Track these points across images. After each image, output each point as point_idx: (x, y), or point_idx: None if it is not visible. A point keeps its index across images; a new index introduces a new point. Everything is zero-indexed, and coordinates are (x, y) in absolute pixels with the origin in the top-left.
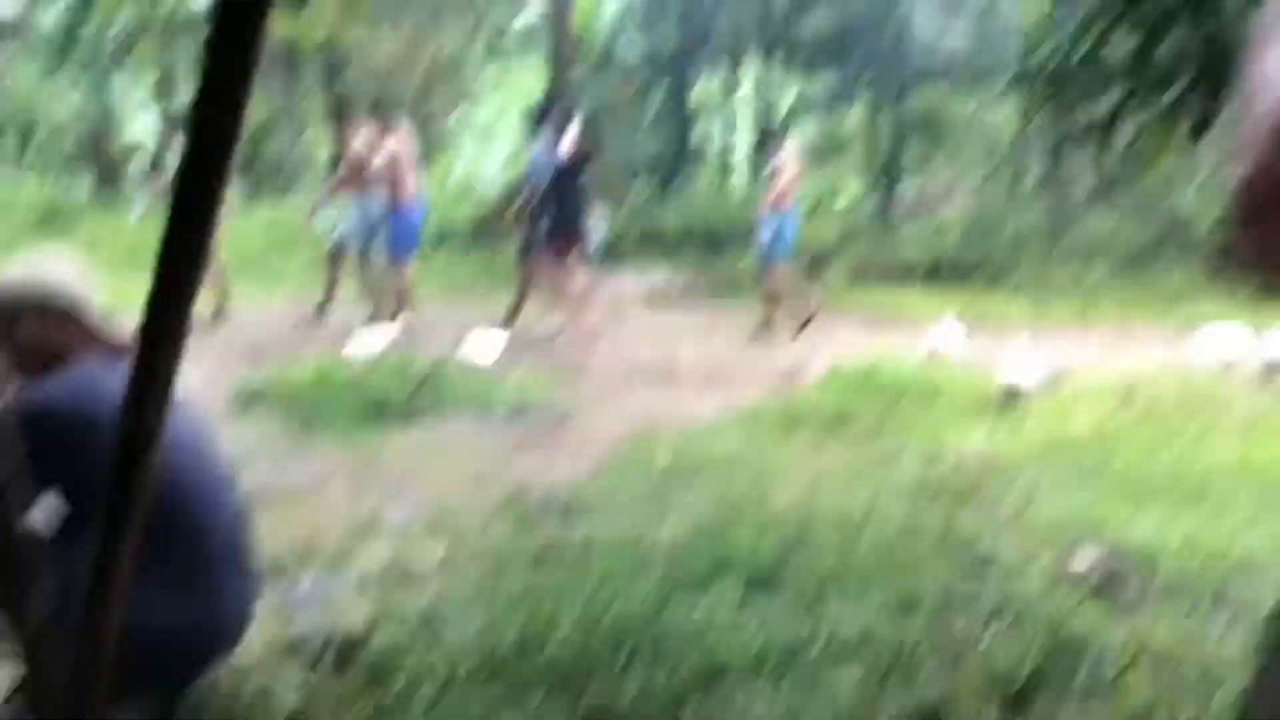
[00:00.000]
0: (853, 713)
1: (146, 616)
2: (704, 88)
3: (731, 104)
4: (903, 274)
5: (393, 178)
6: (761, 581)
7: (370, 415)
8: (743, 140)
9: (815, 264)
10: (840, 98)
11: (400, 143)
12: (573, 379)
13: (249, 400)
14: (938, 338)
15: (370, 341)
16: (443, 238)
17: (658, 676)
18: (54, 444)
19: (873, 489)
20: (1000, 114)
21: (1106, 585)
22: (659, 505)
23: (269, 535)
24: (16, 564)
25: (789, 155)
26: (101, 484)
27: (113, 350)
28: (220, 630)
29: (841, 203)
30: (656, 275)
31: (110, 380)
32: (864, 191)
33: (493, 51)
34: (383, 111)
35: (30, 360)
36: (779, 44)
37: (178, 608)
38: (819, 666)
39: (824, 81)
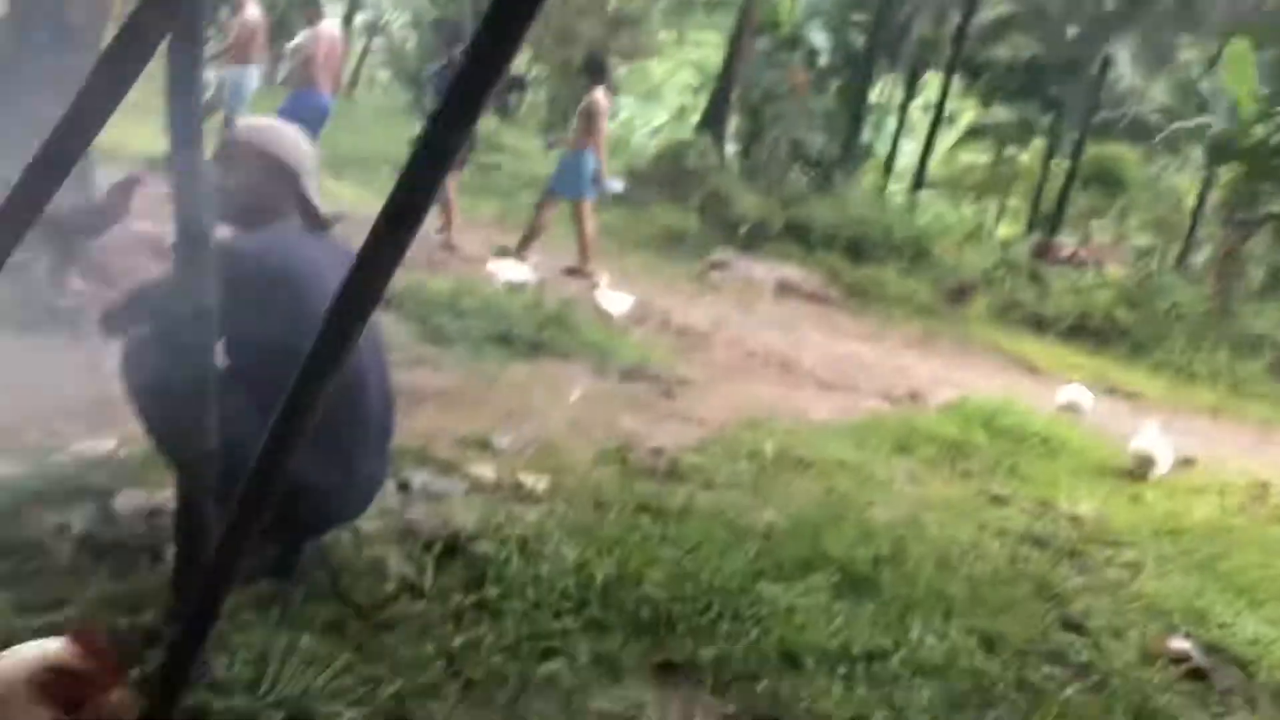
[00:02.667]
0: None
1: (302, 468)
2: (881, 91)
3: (907, 113)
4: (1046, 323)
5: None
6: (853, 585)
7: (496, 341)
8: (911, 151)
9: (959, 292)
10: (1020, 129)
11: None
12: (692, 353)
13: (383, 303)
14: (1071, 394)
15: (512, 269)
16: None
17: (737, 647)
18: (248, 291)
19: (977, 526)
20: (1183, 181)
21: (1201, 675)
22: (761, 490)
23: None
24: (202, 391)
25: (601, 99)
26: (274, 337)
27: (316, 220)
28: (356, 496)
29: (1001, 233)
30: (791, 269)
31: (309, 248)
32: (1025, 230)
33: (676, 12)
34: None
35: (242, 206)
36: (967, 63)
37: (328, 467)
38: (896, 678)
39: (1005, 110)
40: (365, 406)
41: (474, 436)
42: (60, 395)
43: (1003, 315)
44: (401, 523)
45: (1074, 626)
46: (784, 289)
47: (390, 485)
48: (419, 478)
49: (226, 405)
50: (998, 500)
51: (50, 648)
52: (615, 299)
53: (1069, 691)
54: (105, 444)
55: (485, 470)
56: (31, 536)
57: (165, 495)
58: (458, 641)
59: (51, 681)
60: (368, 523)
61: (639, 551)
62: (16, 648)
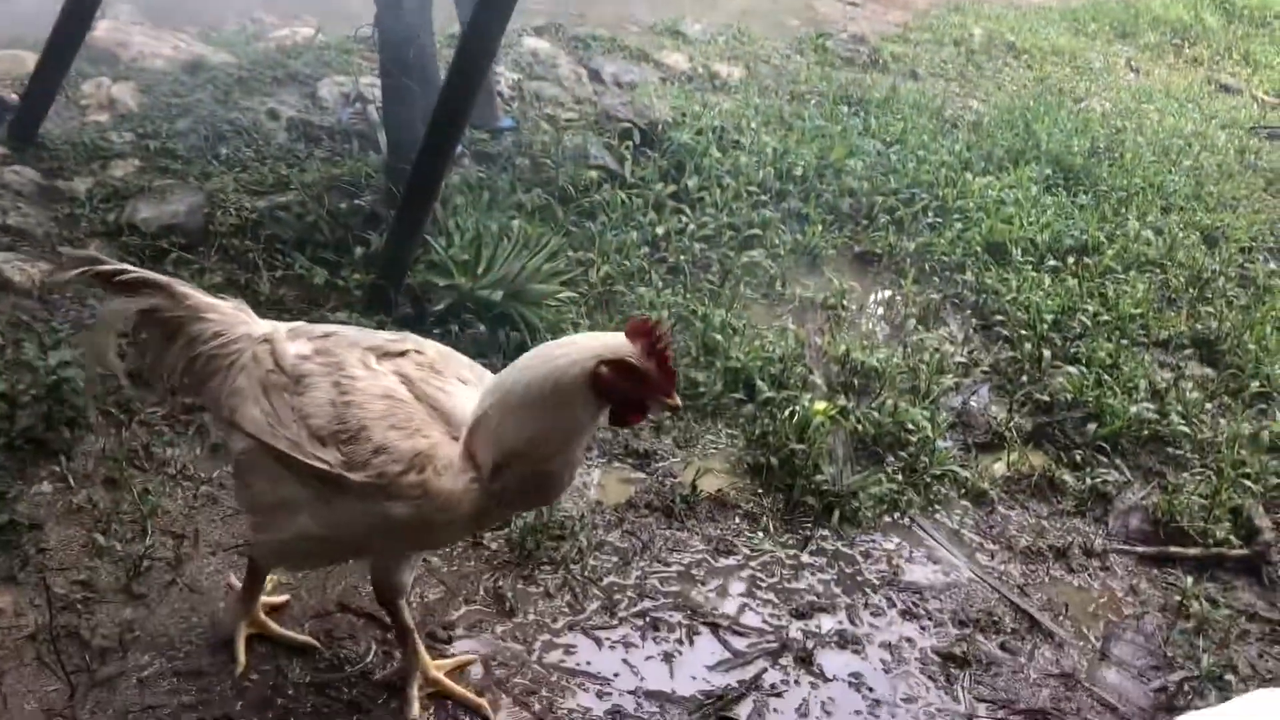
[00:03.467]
0: (1131, 318)
1: None
2: None
3: None
4: None
5: None
6: (1066, 178)
7: None
8: None
9: None
10: None
11: None
12: None
13: None
14: None
15: None
16: None
17: (941, 239)
18: None
19: (1204, 117)
20: None
21: None
22: (968, 79)
23: (582, 16)
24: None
25: None
26: None
27: None
28: None
29: None
30: None
31: None
32: None
33: None
34: None
35: None
36: None
37: None
38: (1108, 272)
39: None
40: None
41: (664, 24)
42: None
43: None
44: (597, 111)
45: None
46: None
47: (581, 72)
48: (610, 66)
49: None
50: (1228, 89)
51: (610, 343)
52: None
53: None
54: (304, 30)
55: (678, 59)
56: (245, 121)
57: (366, 81)
58: (660, 230)
59: (610, 375)
60: (563, 110)
61: (840, 142)
62: (574, 337)
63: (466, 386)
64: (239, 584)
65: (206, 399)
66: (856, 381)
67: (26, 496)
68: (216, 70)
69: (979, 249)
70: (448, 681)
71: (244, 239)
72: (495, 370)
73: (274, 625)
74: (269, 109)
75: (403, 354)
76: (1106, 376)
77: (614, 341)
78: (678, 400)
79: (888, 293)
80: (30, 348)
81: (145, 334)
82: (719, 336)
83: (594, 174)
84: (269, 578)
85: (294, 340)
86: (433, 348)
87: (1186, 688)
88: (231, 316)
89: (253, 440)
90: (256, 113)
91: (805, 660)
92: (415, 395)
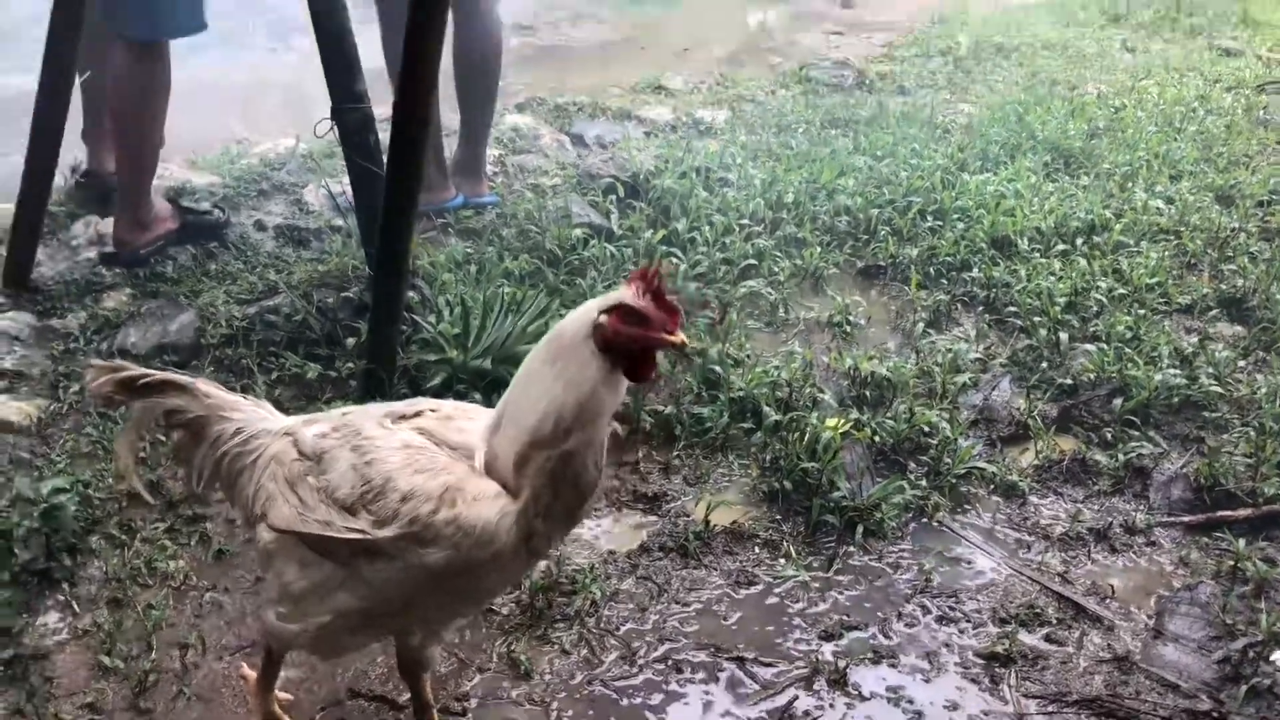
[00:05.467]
0: (1149, 288)
1: None
2: None
3: None
4: None
5: None
6: (1066, 163)
7: None
8: None
9: None
10: None
11: None
12: None
13: None
14: None
15: None
16: None
17: (943, 242)
18: None
19: (1207, 82)
20: None
21: None
22: (959, 85)
23: (562, 88)
24: None
25: None
26: None
27: None
28: None
29: None
30: None
31: None
32: None
33: None
34: None
35: None
36: None
37: None
38: (1120, 246)
39: None
40: None
41: (645, 82)
42: (245, 105)
43: None
44: (580, 172)
45: None
46: None
47: (563, 139)
48: (593, 130)
49: None
50: (1229, 53)
51: (606, 297)
52: None
53: None
54: (286, 141)
55: (660, 112)
56: (233, 236)
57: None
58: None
59: (611, 323)
60: (545, 178)
61: (830, 164)
62: (584, 304)
63: (485, 419)
64: (253, 674)
65: (237, 501)
66: (869, 393)
67: (32, 628)
68: (201, 192)
69: (983, 245)
70: None
71: (236, 347)
72: None
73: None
74: (256, 220)
75: (418, 414)
76: (1128, 349)
77: (610, 295)
78: (682, 336)
79: (894, 302)
80: (25, 481)
81: (173, 437)
82: (718, 369)
83: (579, 232)
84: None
85: (312, 425)
86: (449, 404)
87: (1251, 654)
88: (252, 414)
89: (283, 533)
90: (244, 225)
91: (839, 682)
92: (435, 443)
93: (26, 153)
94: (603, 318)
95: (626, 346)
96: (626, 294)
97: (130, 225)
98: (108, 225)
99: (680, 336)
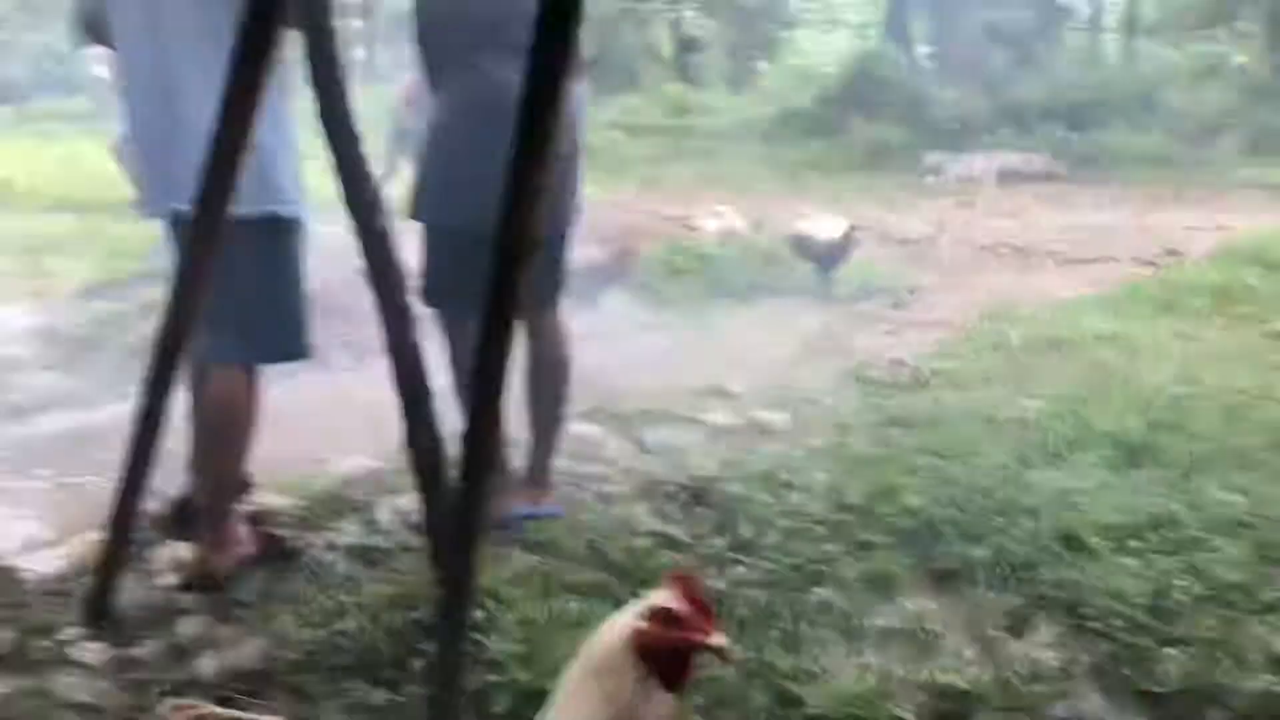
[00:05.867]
0: (1233, 589)
1: None
2: None
3: None
4: None
5: None
6: (1129, 456)
7: (714, 291)
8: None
9: (1205, 133)
10: None
11: None
12: (918, 260)
13: (605, 278)
14: None
15: (717, 220)
16: (784, 121)
17: (1010, 542)
18: None
19: (1264, 369)
20: None
21: None
22: (1015, 380)
23: (626, 395)
24: None
25: None
26: None
27: None
28: None
29: (1239, 60)
30: (1009, 155)
31: None
32: (1263, 50)
33: None
34: None
35: None
36: None
37: None
38: (1195, 541)
39: None
40: None
41: (707, 387)
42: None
43: (1256, 148)
44: (644, 479)
45: None
46: (1006, 177)
47: (628, 445)
48: (656, 435)
49: None
50: None
51: (643, 605)
52: (825, 228)
53: None
54: (363, 461)
55: (723, 416)
56: (306, 557)
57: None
58: (721, 584)
59: (649, 629)
60: (611, 485)
61: (891, 465)
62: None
63: None
64: None
65: None
66: (946, 706)
67: None
68: (279, 514)
69: (1052, 542)
70: None
71: (304, 672)
72: None
73: None
74: (328, 542)
75: None
76: (1217, 653)
77: (646, 601)
78: (721, 638)
79: (966, 607)
80: None
81: None
82: (792, 685)
83: (645, 541)
84: None
85: None
86: None
87: None
88: None
89: None
90: (316, 547)
91: None
92: None
93: (118, 483)
94: (641, 624)
95: (666, 652)
96: (664, 598)
97: (210, 550)
98: (187, 550)
99: (720, 638)
